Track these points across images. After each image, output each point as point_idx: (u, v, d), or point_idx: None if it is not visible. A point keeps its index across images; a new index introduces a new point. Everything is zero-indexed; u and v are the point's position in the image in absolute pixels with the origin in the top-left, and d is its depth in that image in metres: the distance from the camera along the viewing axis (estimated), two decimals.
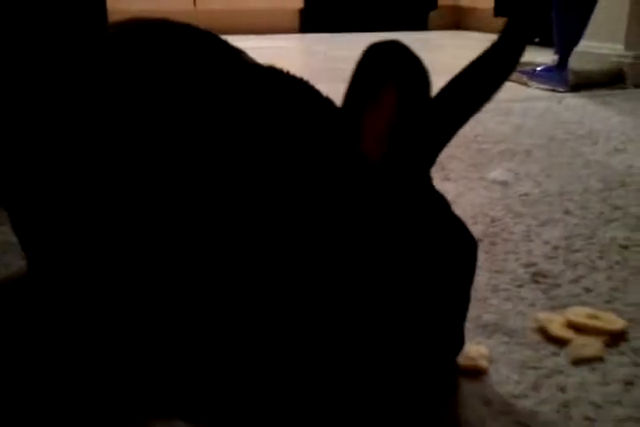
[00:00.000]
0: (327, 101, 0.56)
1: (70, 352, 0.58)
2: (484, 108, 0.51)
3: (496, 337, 0.61)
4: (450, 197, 1.02)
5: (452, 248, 0.50)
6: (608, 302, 0.68)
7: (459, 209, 0.93)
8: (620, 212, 0.92)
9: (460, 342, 0.53)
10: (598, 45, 1.97)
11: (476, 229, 0.86)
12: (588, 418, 0.51)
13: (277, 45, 2.98)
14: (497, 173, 1.09)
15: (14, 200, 0.65)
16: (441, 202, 0.52)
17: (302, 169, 0.52)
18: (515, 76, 1.94)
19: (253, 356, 0.57)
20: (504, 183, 1.05)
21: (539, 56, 2.23)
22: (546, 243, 0.82)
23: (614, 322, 0.62)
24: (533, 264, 0.76)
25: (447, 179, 1.07)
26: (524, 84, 1.89)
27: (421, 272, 0.50)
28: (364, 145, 0.47)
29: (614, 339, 0.60)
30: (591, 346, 0.58)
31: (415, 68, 0.44)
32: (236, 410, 0.52)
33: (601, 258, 0.77)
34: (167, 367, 0.57)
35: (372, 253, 0.49)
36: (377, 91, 0.45)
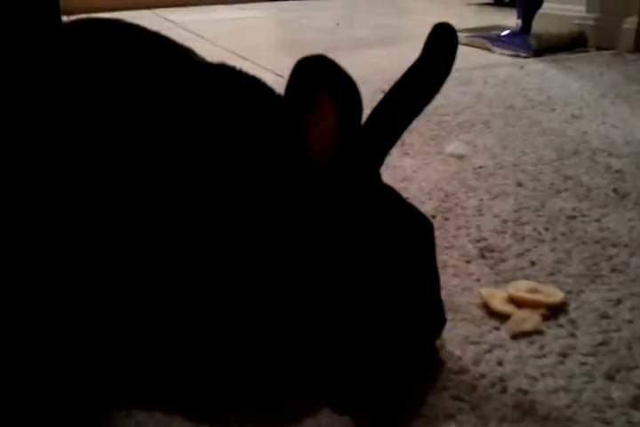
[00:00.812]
0: (279, 99, 0.58)
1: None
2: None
3: None
4: (407, 172, 1.04)
5: (408, 234, 0.53)
6: (551, 274, 0.70)
7: (414, 185, 0.95)
8: (570, 182, 0.94)
9: (441, 320, 0.56)
10: (560, 7, 1.97)
11: (430, 205, 0.88)
12: (521, 391, 0.54)
13: (246, 16, 2.94)
14: (454, 146, 1.10)
15: None
16: (391, 194, 0.55)
17: (255, 178, 0.54)
18: (478, 41, 1.94)
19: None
20: (461, 156, 1.06)
21: (506, 19, 2.23)
22: (496, 217, 0.84)
23: (554, 295, 0.65)
24: (483, 239, 0.78)
25: (406, 154, 1.08)
26: (488, 49, 1.90)
27: (382, 261, 0.52)
28: (312, 153, 0.50)
29: (553, 311, 0.63)
30: (530, 320, 0.61)
31: (344, 79, 0.47)
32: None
33: (547, 230, 0.80)
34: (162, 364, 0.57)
35: (333, 252, 0.52)
36: (313, 103, 0.48)
